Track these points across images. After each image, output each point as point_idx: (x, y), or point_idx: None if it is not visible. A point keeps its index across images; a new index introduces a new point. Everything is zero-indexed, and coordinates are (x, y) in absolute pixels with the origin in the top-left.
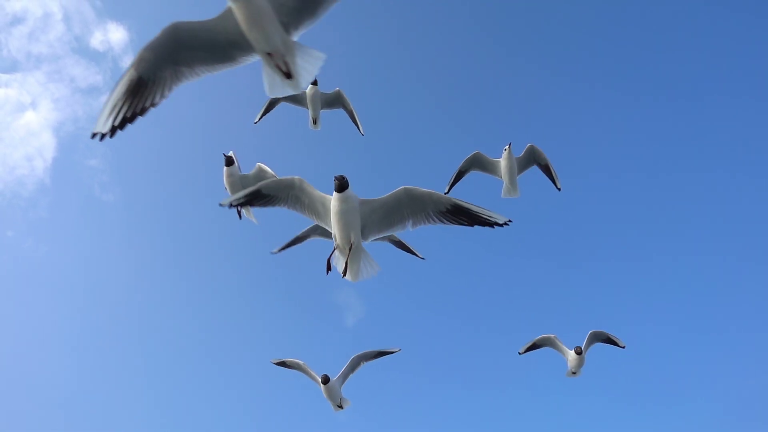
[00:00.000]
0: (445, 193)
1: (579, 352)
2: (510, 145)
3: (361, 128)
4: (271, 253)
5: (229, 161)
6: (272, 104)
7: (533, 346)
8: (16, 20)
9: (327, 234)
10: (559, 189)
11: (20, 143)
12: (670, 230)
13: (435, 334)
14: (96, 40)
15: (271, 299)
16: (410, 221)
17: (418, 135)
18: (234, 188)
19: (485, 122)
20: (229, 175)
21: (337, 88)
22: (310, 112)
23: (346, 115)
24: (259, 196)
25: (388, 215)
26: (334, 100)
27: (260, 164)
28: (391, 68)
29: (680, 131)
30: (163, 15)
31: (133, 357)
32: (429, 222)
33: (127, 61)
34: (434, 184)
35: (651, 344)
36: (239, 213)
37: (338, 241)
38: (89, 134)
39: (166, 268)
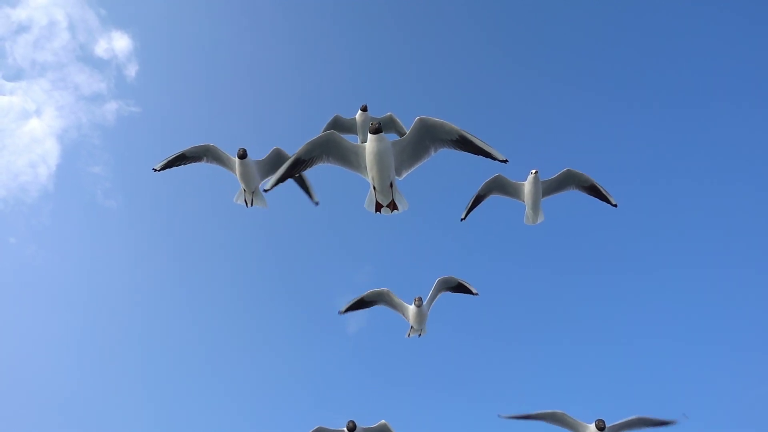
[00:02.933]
0: (461, 219)
1: (602, 428)
2: (537, 171)
3: None
4: (339, 312)
5: (244, 154)
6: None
7: (529, 417)
8: (22, 28)
9: (390, 304)
10: (615, 205)
11: (24, 150)
12: (674, 240)
13: (436, 342)
14: (100, 48)
15: (273, 306)
16: (432, 148)
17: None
18: (251, 178)
19: (496, 134)
20: (244, 165)
21: (389, 113)
22: (359, 138)
23: None
24: (298, 164)
25: (415, 149)
26: (385, 125)
27: (277, 148)
28: (406, 82)
29: (687, 139)
30: (166, 23)
31: (134, 363)
32: (445, 147)
33: (132, 68)
34: (450, 198)
35: (651, 353)
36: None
37: (377, 183)
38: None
39: (169, 274)
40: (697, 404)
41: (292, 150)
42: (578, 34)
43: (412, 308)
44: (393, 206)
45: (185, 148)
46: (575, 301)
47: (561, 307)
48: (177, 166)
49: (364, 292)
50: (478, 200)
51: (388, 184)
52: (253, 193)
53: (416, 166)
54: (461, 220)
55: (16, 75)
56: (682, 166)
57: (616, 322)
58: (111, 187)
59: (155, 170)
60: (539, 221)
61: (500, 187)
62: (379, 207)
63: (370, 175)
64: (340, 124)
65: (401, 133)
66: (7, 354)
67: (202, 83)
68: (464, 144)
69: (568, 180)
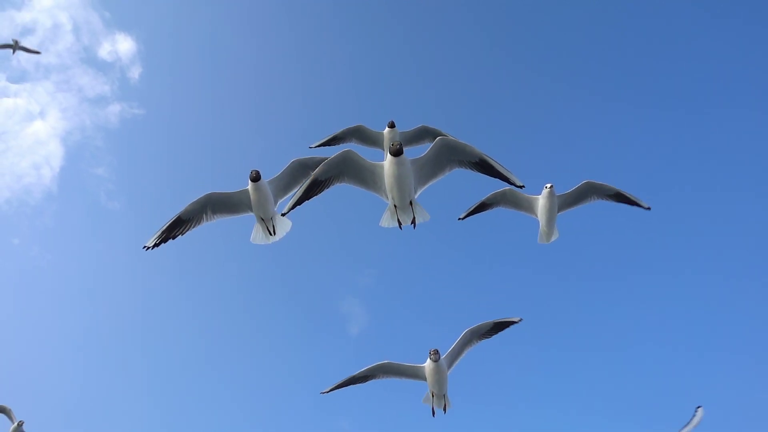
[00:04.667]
0: (460, 219)
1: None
2: (552, 186)
3: None
4: (321, 393)
5: (257, 176)
6: (338, 139)
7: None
8: (26, 31)
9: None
10: (649, 208)
11: (28, 152)
12: (678, 244)
13: (438, 343)
14: (104, 51)
15: (275, 307)
16: (448, 167)
17: None
18: (267, 203)
19: (500, 138)
20: (259, 189)
21: (422, 125)
22: (385, 154)
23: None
24: (315, 186)
25: (433, 169)
26: (418, 136)
27: (296, 159)
28: (411, 84)
29: (696, 142)
30: (170, 26)
31: (138, 363)
32: (461, 167)
33: (135, 71)
34: (453, 201)
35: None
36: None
37: (398, 202)
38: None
39: (172, 277)
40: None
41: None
42: (587, 38)
43: (428, 365)
44: (414, 220)
45: (180, 211)
46: (578, 305)
47: (563, 311)
48: (174, 237)
49: (359, 371)
50: (482, 207)
51: (408, 202)
52: (272, 219)
53: (431, 183)
54: (459, 219)
55: (21, 77)
56: (693, 170)
57: (619, 326)
58: (114, 189)
59: (146, 248)
60: (553, 239)
61: (511, 200)
62: (401, 223)
63: (390, 195)
64: (364, 135)
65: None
66: (9, 355)
67: (206, 85)
68: (483, 167)
69: (589, 192)
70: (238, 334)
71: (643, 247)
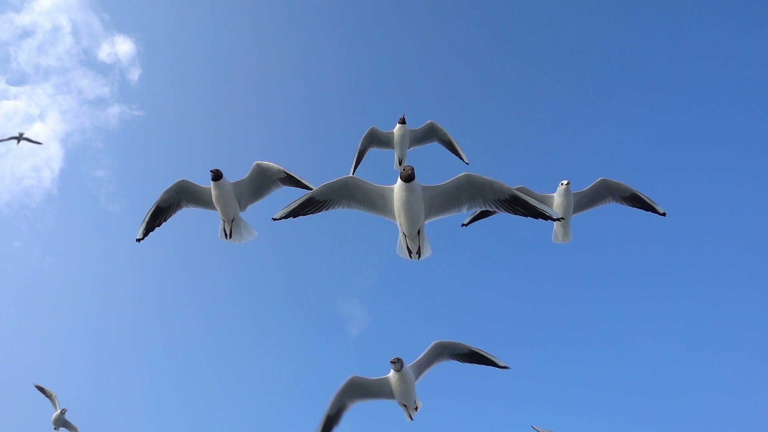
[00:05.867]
0: (463, 225)
1: None
2: (569, 182)
3: (464, 156)
4: None
5: (218, 175)
6: (362, 153)
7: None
8: (26, 33)
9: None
10: (664, 214)
11: (28, 154)
12: (683, 244)
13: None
14: (104, 53)
15: (276, 309)
16: (466, 206)
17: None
18: (227, 201)
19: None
20: (219, 188)
21: (429, 121)
22: (396, 153)
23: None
24: (311, 203)
25: (448, 200)
26: (426, 135)
27: (258, 162)
28: (414, 85)
29: (704, 143)
30: (169, 27)
31: (139, 366)
32: (484, 206)
33: (135, 73)
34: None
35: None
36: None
37: (405, 229)
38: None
39: (172, 279)
40: (702, 408)
41: (280, 160)
42: (589, 39)
43: (391, 376)
44: (419, 252)
45: (157, 200)
46: (577, 306)
47: (563, 312)
48: (159, 224)
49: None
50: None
51: (417, 231)
52: (233, 221)
53: (441, 217)
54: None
55: (20, 79)
56: (693, 171)
57: (618, 326)
58: (114, 191)
59: (138, 240)
60: (568, 240)
61: None
62: (410, 252)
63: (398, 221)
64: (377, 139)
65: (444, 141)
66: (11, 357)
67: (205, 87)
68: (513, 204)
69: (604, 192)
70: (239, 336)
71: (641, 247)
